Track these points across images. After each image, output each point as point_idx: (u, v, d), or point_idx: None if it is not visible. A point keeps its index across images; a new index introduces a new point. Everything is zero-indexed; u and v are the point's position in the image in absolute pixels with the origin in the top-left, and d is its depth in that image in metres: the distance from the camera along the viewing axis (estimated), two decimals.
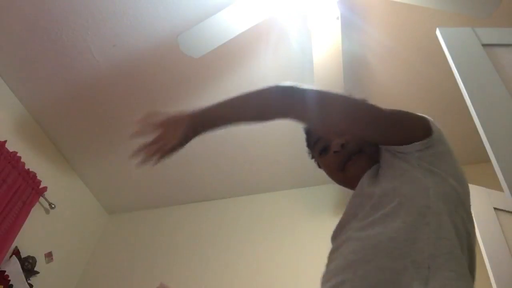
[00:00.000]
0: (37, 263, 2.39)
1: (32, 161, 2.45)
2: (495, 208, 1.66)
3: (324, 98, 0.87)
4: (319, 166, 1.05)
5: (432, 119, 0.88)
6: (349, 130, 0.89)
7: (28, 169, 2.39)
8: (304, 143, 1.09)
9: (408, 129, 0.85)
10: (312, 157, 1.06)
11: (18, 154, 2.33)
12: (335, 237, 0.88)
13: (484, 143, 1.12)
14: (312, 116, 0.87)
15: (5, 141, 2.26)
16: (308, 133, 1.06)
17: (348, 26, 1.95)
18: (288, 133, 2.46)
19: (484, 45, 1.34)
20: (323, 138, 0.99)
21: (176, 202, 3.00)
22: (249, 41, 2.05)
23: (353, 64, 2.11)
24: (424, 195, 0.76)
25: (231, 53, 2.12)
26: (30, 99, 2.48)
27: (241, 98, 0.91)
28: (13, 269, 2.20)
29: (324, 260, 0.85)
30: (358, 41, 2.05)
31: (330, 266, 0.80)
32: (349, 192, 0.94)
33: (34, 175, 2.43)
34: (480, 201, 1.68)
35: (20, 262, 2.25)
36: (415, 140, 0.82)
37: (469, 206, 0.84)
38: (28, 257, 2.35)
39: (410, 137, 0.83)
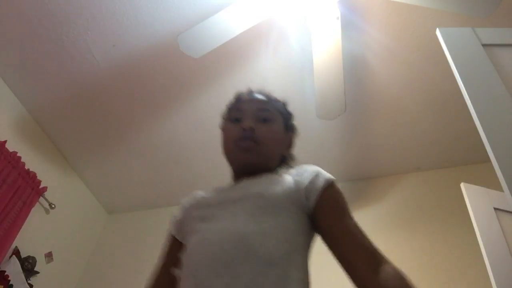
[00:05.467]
0: (37, 263, 2.39)
1: (32, 161, 2.45)
2: (495, 208, 1.66)
3: None
4: (221, 127, 1.09)
5: None
6: None
7: (28, 169, 2.39)
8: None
9: None
10: (222, 117, 1.09)
11: (18, 154, 2.33)
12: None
13: (484, 143, 1.12)
14: None
15: (5, 141, 2.26)
16: (238, 98, 1.08)
17: (348, 26, 1.95)
18: None
19: (484, 45, 1.34)
20: (244, 112, 1.02)
21: (176, 202, 2.98)
22: (249, 41, 2.05)
23: (353, 64, 2.11)
24: None
25: (231, 53, 2.12)
26: (30, 99, 2.48)
27: None
28: (13, 269, 2.20)
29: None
30: (358, 41, 2.05)
31: None
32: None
33: (34, 175, 2.43)
34: (480, 201, 1.69)
35: (20, 262, 2.25)
36: None
37: None
38: (28, 257, 2.35)
39: None
